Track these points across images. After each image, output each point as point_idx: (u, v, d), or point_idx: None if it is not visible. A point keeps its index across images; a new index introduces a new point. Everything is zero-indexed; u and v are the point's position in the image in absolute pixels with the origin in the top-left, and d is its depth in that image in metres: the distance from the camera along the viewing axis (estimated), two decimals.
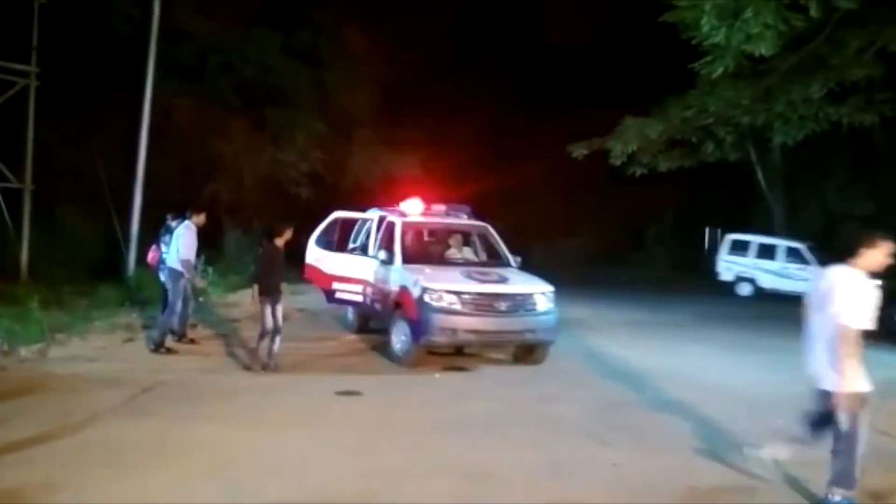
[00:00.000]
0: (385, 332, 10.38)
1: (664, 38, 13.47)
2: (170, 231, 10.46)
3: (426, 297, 9.14)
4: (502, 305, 9.35)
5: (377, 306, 10.59)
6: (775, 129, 16.44)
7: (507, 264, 10.73)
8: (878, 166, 23.41)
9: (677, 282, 24.11)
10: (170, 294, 9.91)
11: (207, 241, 14.40)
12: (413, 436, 6.62)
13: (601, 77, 23.71)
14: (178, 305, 9.82)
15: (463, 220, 11.50)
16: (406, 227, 10.78)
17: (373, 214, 11.54)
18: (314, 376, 8.89)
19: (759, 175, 25.00)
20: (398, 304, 9.72)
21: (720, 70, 12.57)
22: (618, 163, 19.10)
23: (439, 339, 9.21)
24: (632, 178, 20.53)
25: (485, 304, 9.27)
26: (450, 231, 11.53)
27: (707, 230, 25.21)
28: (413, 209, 11.09)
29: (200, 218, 10.14)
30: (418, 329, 9.19)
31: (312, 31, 21.42)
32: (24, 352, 9.05)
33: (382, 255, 10.31)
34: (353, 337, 11.57)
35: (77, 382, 7.90)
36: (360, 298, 11.02)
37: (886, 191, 23.15)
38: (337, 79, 21.95)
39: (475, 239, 11.58)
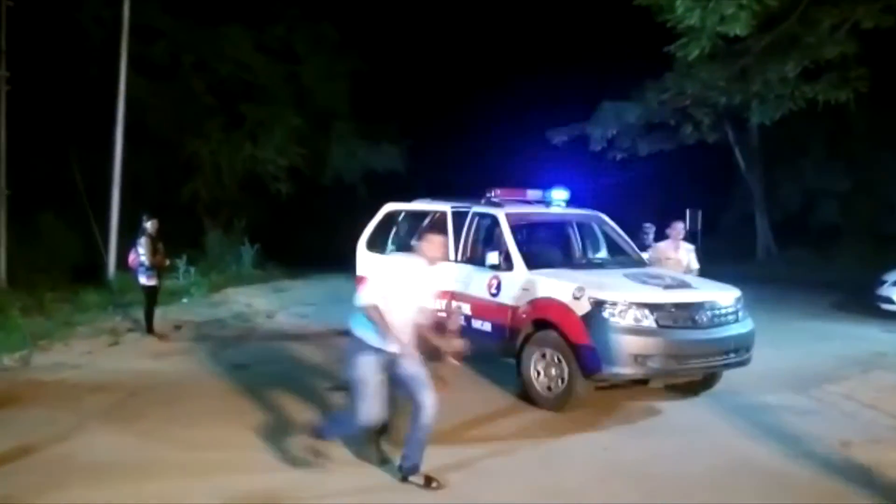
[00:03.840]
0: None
1: (639, 22, 13.49)
2: (144, 233, 10.34)
3: (605, 313, 6.80)
4: (704, 319, 7.11)
5: (482, 326, 8.20)
6: (752, 109, 16.57)
7: (640, 262, 8.90)
8: (854, 143, 23.64)
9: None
10: None
11: (190, 242, 14.26)
12: None
13: (579, 62, 23.70)
14: None
15: (570, 208, 9.39)
16: (514, 221, 8.48)
17: (439, 206, 9.33)
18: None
19: (738, 155, 25.16)
20: (540, 324, 7.40)
21: (696, 52, 12.64)
22: (598, 148, 19.23)
23: (627, 370, 6.81)
24: (611, 162, 20.67)
25: (684, 318, 7.02)
26: (564, 223, 9.54)
27: (688, 211, 25.32)
28: (509, 197, 9.16)
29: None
30: (591, 358, 6.79)
31: (286, 26, 21.27)
32: (6, 360, 8.91)
33: (492, 258, 8.05)
34: None
35: (62, 389, 7.81)
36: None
37: (863, 167, 23.41)
38: (312, 73, 21.81)
39: (596, 231, 9.59)
